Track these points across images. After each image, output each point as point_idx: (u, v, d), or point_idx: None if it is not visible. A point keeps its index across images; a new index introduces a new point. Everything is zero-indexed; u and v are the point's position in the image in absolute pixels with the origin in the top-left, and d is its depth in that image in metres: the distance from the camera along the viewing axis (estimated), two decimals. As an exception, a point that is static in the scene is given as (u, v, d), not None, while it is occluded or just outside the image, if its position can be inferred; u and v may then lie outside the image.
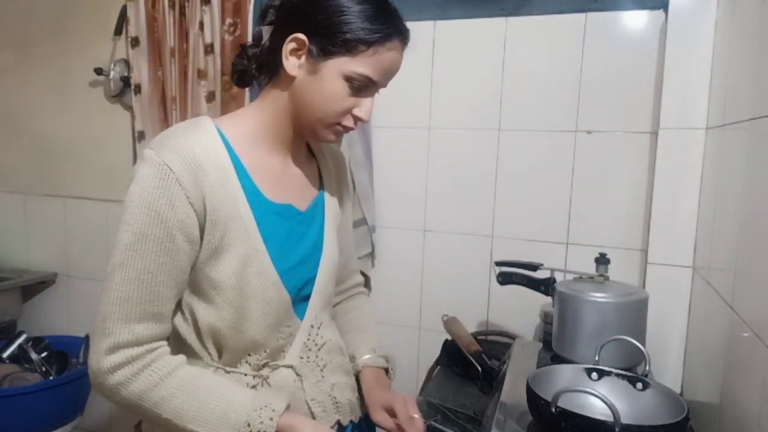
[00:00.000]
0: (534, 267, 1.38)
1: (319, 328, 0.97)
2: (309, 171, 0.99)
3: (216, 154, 0.83)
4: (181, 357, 0.85)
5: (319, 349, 0.97)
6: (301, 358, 0.94)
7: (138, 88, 2.01)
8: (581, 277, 1.30)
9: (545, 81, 1.58)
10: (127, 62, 2.05)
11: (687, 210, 1.36)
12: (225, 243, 0.83)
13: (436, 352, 1.56)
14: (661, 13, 1.44)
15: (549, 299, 1.34)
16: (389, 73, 0.86)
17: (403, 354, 1.79)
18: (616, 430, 0.78)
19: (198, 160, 0.80)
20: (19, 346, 2.10)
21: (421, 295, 1.78)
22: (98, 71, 2.08)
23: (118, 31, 2.07)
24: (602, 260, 1.28)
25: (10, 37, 2.31)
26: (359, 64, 0.82)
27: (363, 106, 0.86)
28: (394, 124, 1.74)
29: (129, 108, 2.10)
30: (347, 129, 0.89)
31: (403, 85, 1.67)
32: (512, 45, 1.61)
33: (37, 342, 2.13)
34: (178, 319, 0.88)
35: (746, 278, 0.94)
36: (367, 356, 1.07)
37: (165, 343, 0.84)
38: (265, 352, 0.90)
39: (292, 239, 0.92)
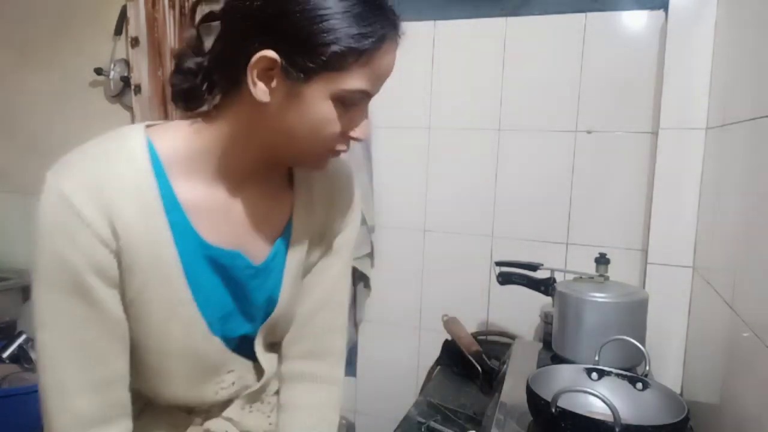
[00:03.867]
0: (534, 267, 1.38)
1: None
2: (274, 206, 0.79)
3: (137, 183, 0.65)
4: None
5: (267, 394, 0.86)
6: (243, 408, 0.82)
7: (138, 88, 2.01)
8: (581, 277, 1.30)
9: (545, 81, 1.58)
10: (127, 62, 2.05)
11: (687, 210, 1.36)
12: (144, 296, 0.67)
13: (436, 352, 1.56)
14: (661, 13, 1.44)
15: (549, 299, 1.35)
16: (383, 79, 0.70)
17: (403, 354, 1.79)
18: (616, 430, 0.78)
19: (109, 191, 0.63)
20: (19, 346, 2.10)
21: (421, 295, 1.77)
22: (98, 71, 2.08)
23: (118, 31, 2.07)
24: (602, 260, 1.28)
25: (11, 37, 2.31)
26: (350, 79, 0.64)
27: (358, 125, 0.70)
28: (394, 124, 1.74)
29: (129, 108, 2.10)
30: (341, 153, 0.73)
31: (403, 85, 1.68)
32: (512, 45, 1.61)
33: (37, 342, 2.13)
34: None
35: (746, 278, 0.94)
36: None
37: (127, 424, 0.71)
38: (207, 411, 0.79)
39: (230, 290, 0.76)
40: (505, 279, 1.42)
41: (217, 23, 0.70)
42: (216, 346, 0.75)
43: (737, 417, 0.94)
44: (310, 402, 0.87)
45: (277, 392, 0.87)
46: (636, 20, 1.48)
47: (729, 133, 1.13)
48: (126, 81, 2.06)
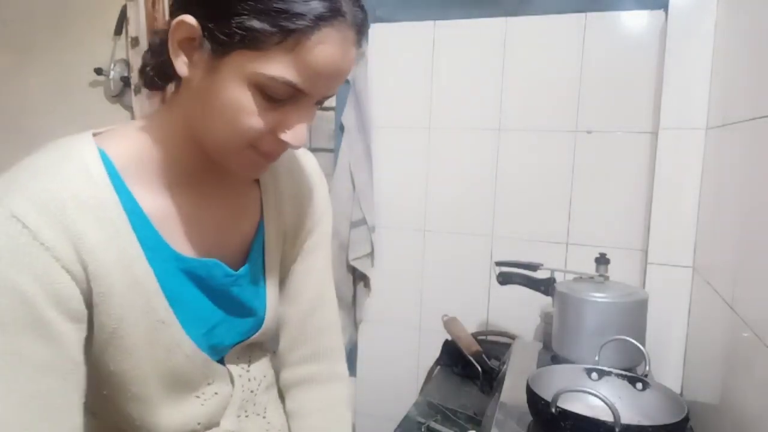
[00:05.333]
0: (534, 267, 1.38)
1: (248, 367, 0.78)
2: (243, 208, 0.74)
3: (97, 200, 0.58)
4: None
5: (255, 394, 0.79)
6: (239, 416, 0.76)
7: (138, 88, 2.00)
8: (581, 277, 1.30)
9: (545, 81, 1.58)
10: (127, 62, 2.05)
11: (687, 210, 1.36)
12: (126, 323, 0.60)
13: (436, 352, 1.56)
14: (661, 13, 1.44)
15: (549, 299, 1.35)
16: (321, 75, 0.57)
17: (403, 354, 1.79)
18: (616, 430, 0.78)
19: (68, 212, 0.55)
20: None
21: (421, 295, 1.78)
22: (98, 71, 2.08)
23: (118, 31, 2.07)
24: (602, 260, 1.28)
25: (11, 37, 2.31)
26: (271, 63, 0.55)
27: (290, 126, 0.59)
28: (394, 124, 1.74)
29: (129, 108, 2.10)
30: (270, 156, 0.63)
31: (403, 85, 1.69)
32: (512, 45, 1.61)
33: (37, 342, 2.13)
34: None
35: (746, 278, 0.94)
36: None
37: None
38: (198, 424, 0.71)
39: (214, 300, 0.70)
40: (505, 279, 1.42)
41: None
42: (200, 361, 0.69)
43: (737, 417, 0.94)
44: (320, 404, 0.85)
45: (268, 388, 0.84)
46: (636, 20, 1.48)
47: (729, 133, 1.13)
48: (126, 81, 2.06)
